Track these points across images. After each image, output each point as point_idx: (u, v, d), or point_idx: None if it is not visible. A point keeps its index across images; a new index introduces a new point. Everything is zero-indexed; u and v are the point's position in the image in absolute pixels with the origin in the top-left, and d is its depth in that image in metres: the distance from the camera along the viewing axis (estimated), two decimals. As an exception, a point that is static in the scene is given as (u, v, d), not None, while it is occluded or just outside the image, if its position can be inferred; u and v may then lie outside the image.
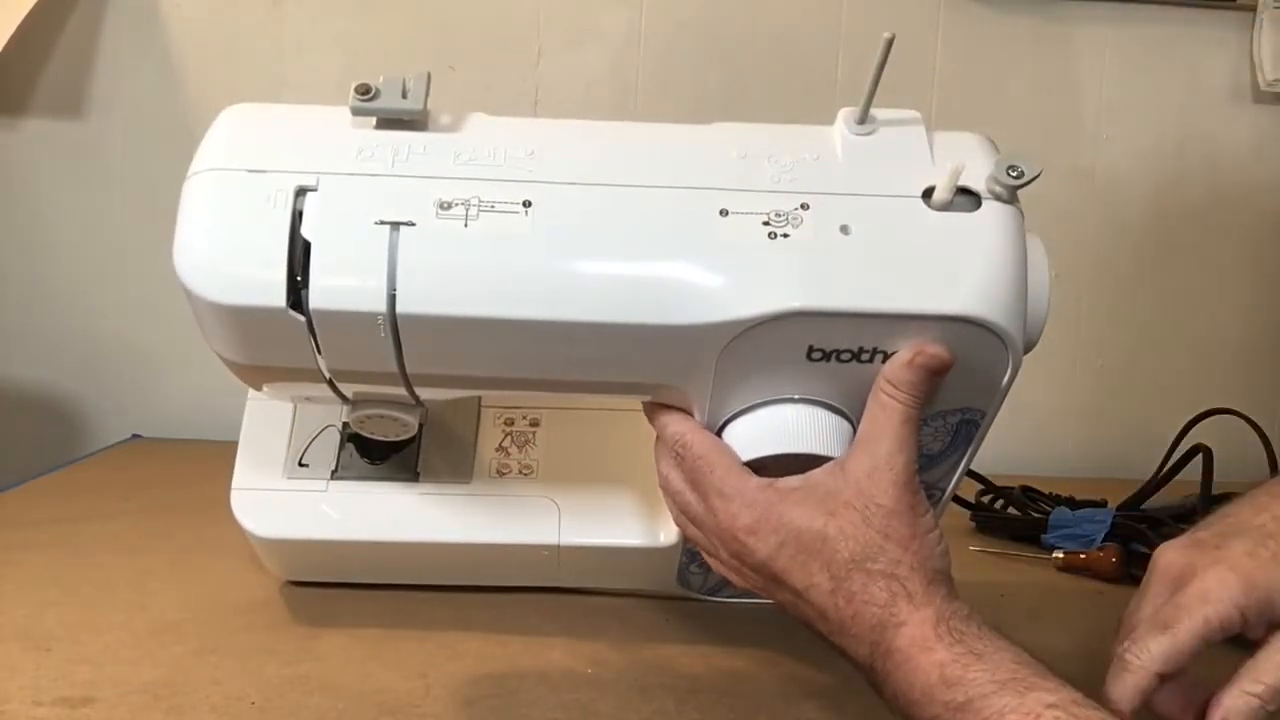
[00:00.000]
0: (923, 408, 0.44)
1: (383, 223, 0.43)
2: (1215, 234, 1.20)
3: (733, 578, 0.47)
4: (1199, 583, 0.43)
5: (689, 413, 0.48)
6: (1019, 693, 0.36)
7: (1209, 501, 0.73)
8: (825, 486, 0.43)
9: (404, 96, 0.45)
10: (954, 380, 0.45)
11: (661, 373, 0.46)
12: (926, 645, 0.39)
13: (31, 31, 1.02)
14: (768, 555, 0.43)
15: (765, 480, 0.45)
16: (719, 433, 0.48)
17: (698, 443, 0.47)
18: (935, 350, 0.43)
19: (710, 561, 0.48)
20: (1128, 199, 1.19)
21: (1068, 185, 1.17)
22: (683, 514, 0.48)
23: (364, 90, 0.45)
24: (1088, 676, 0.57)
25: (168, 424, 1.10)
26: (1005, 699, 0.36)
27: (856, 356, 0.44)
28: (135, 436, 1.10)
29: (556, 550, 0.61)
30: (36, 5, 1.01)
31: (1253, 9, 1.16)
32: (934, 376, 0.44)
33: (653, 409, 0.49)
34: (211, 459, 0.67)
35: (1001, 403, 0.47)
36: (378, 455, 0.62)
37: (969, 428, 0.48)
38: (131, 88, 1.08)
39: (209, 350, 0.47)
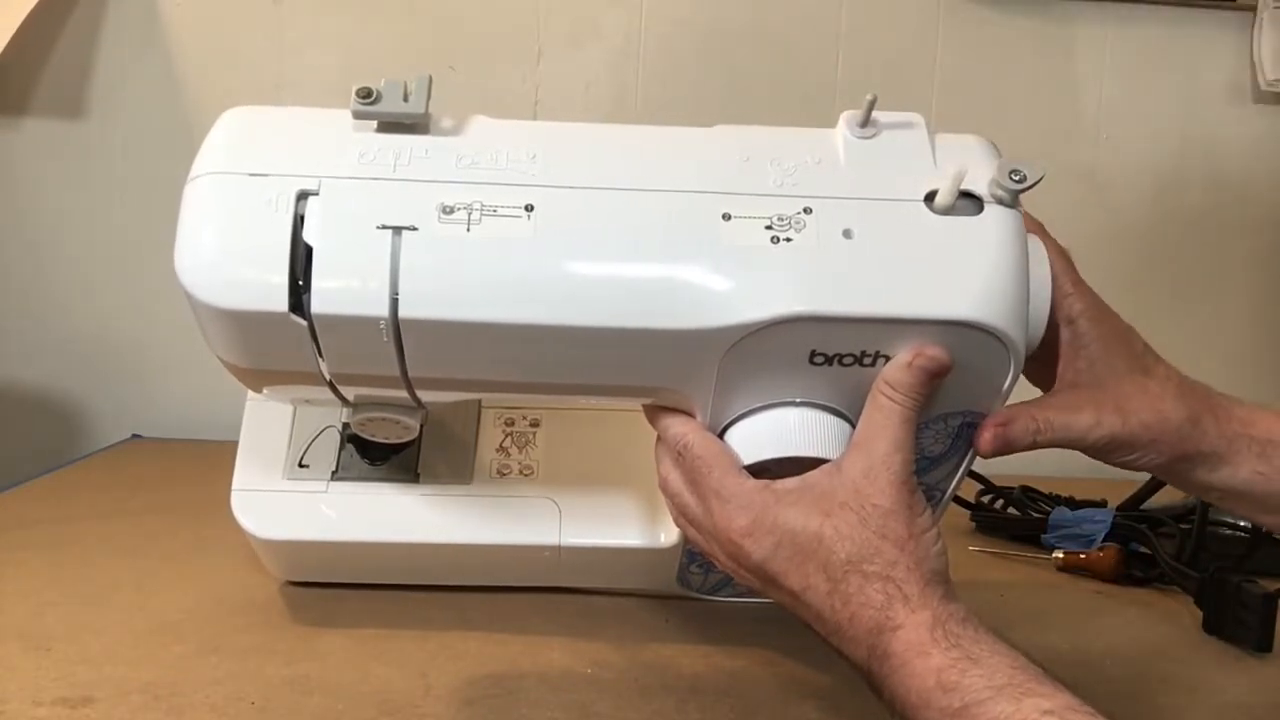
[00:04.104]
0: (921, 410, 0.44)
1: (385, 227, 0.42)
2: (1215, 234, 1.20)
3: (735, 576, 0.47)
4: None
5: (691, 415, 0.48)
6: (1015, 698, 0.36)
7: (1208, 501, 0.73)
8: (821, 487, 0.43)
9: (405, 100, 0.45)
10: (956, 383, 0.45)
11: (663, 376, 0.46)
12: (923, 650, 0.39)
13: (31, 32, 1.02)
14: (764, 557, 0.44)
15: (762, 482, 0.45)
16: (721, 436, 0.48)
17: (698, 444, 0.47)
18: (934, 352, 0.43)
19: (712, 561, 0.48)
20: (1128, 199, 1.19)
21: (1068, 185, 1.17)
22: (681, 515, 0.48)
23: (365, 93, 0.44)
24: (1087, 677, 0.57)
25: (168, 424, 1.10)
26: (1001, 705, 0.36)
27: (859, 360, 0.44)
28: (135, 436, 1.10)
29: (557, 551, 0.61)
30: (36, 5, 1.01)
31: (1253, 9, 1.16)
32: (933, 379, 0.44)
33: (654, 411, 0.49)
34: (211, 459, 0.67)
35: (1003, 405, 0.48)
36: (378, 456, 0.62)
37: (970, 430, 0.48)
38: (131, 88, 1.08)
39: (209, 351, 0.47)
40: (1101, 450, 0.48)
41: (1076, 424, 0.47)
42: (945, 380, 0.44)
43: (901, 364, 0.43)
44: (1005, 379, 0.46)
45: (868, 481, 0.43)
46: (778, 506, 0.43)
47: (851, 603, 0.41)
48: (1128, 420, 0.47)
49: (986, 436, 0.47)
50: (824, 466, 0.45)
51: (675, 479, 0.48)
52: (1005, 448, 0.47)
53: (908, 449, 0.43)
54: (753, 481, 0.45)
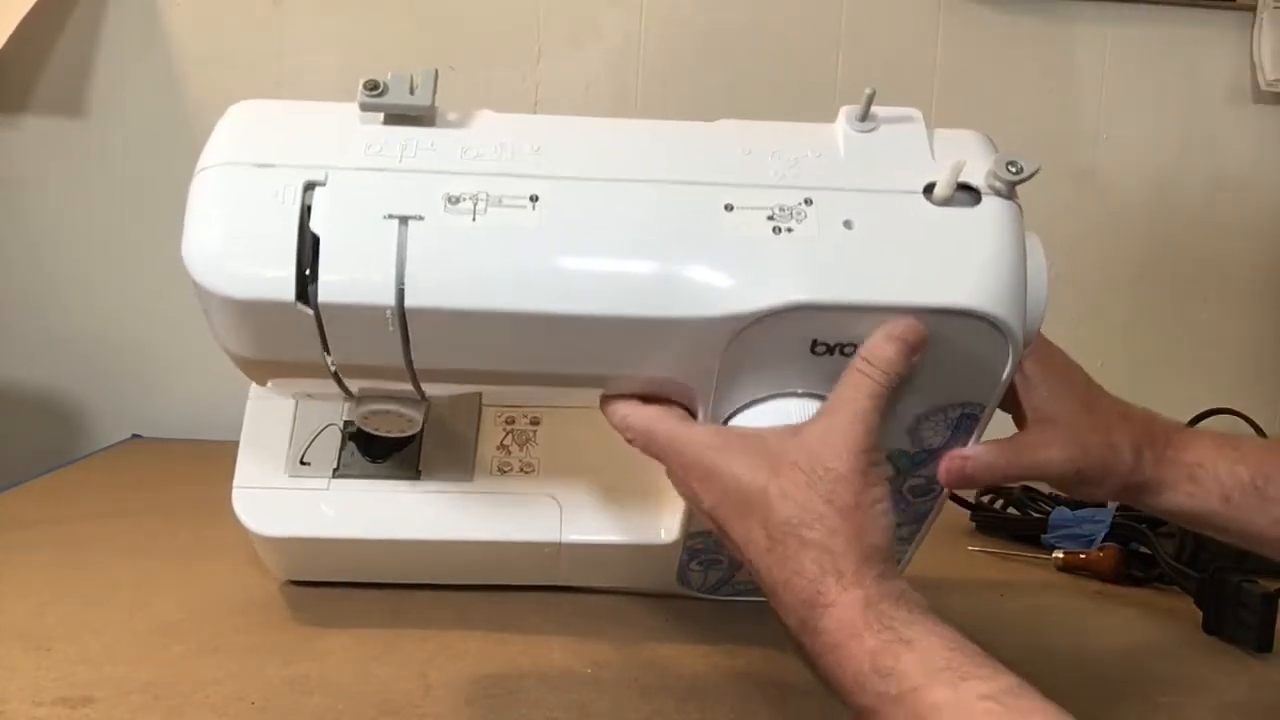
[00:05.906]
0: (894, 386, 0.43)
1: (391, 217, 0.43)
2: (1215, 234, 1.20)
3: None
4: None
5: (676, 405, 0.48)
6: (952, 684, 0.35)
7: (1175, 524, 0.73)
8: (774, 446, 0.43)
9: (412, 92, 0.45)
10: (955, 373, 0.45)
11: (666, 366, 0.46)
12: (855, 631, 0.38)
13: (31, 31, 1.02)
14: (713, 504, 0.44)
15: (713, 427, 0.46)
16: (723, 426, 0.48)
17: (637, 421, 0.47)
18: (909, 322, 0.43)
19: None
20: (1128, 199, 1.20)
21: (1068, 185, 1.17)
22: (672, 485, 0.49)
23: (372, 86, 0.45)
24: (1087, 677, 0.57)
25: (168, 424, 1.10)
26: (938, 692, 0.35)
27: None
28: (135, 436, 1.10)
29: (558, 548, 0.61)
30: (36, 5, 1.01)
31: (1253, 9, 1.16)
32: (910, 352, 0.43)
33: (603, 401, 0.50)
34: (211, 459, 0.67)
35: (1002, 396, 0.48)
36: (379, 453, 0.62)
37: (969, 421, 0.49)
38: (131, 88, 1.08)
39: (209, 350, 0.47)
40: (1067, 483, 0.50)
41: (1041, 459, 0.48)
42: (946, 371, 0.44)
43: (879, 337, 0.43)
44: (1004, 368, 0.46)
45: (822, 444, 0.42)
46: (727, 453, 0.44)
47: (786, 567, 0.41)
48: (1088, 453, 0.48)
49: (944, 469, 0.48)
50: (779, 427, 0.44)
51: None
52: (964, 482, 0.49)
53: (871, 422, 0.42)
54: (701, 429, 0.46)
